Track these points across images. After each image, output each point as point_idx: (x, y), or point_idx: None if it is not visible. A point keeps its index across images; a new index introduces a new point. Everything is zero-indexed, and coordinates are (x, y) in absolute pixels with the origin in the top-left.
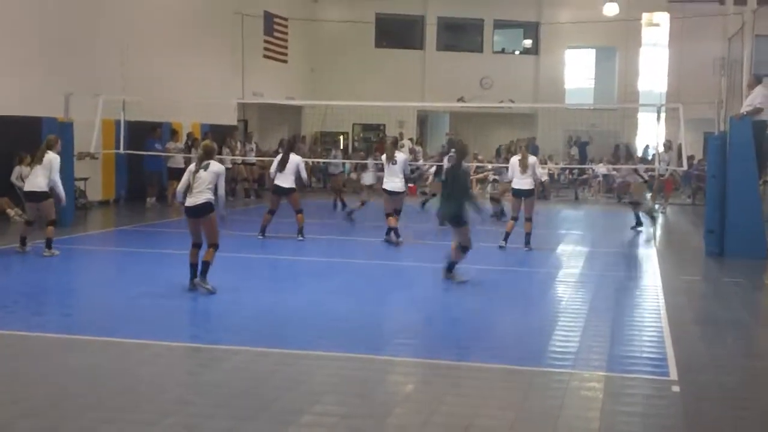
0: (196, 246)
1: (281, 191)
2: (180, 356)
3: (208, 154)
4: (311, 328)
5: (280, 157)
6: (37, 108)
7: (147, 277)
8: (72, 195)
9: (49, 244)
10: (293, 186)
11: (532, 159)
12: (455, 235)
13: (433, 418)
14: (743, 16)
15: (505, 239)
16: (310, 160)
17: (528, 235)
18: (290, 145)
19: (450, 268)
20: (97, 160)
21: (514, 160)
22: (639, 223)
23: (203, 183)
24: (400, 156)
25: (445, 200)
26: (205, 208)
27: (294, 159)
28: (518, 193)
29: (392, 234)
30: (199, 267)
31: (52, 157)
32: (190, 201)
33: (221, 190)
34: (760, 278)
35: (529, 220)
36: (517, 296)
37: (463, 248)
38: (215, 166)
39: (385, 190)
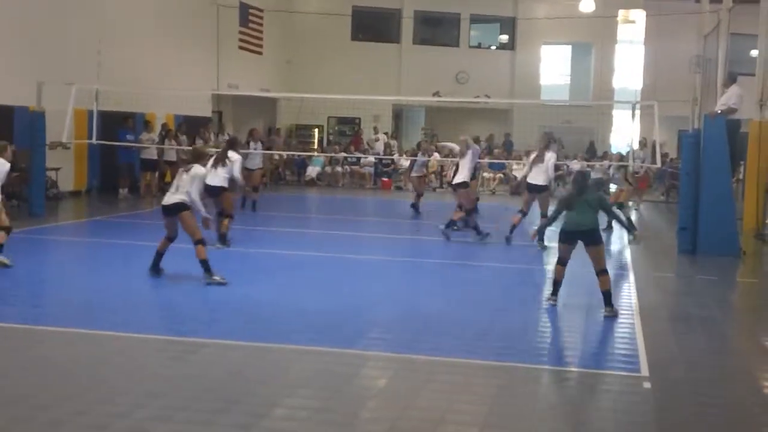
0: (169, 239)
1: (208, 190)
2: (153, 348)
3: (194, 158)
4: (285, 321)
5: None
6: (9, 97)
7: (119, 268)
8: (43, 185)
9: None
10: (224, 185)
11: (548, 155)
12: (590, 256)
13: (406, 411)
14: (719, 15)
15: (511, 231)
16: (284, 153)
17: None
18: (230, 143)
19: (609, 300)
20: (69, 150)
21: (533, 156)
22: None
23: (183, 185)
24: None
25: (576, 213)
26: (176, 208)
27: (232, 157)
28: (531, 188)
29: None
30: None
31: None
32: (165, 199)
33: (193, 194)
34: (733, 275)
35: (543, 216)
36: (492, 292)
37: (605, 271)
38: (195, 169)
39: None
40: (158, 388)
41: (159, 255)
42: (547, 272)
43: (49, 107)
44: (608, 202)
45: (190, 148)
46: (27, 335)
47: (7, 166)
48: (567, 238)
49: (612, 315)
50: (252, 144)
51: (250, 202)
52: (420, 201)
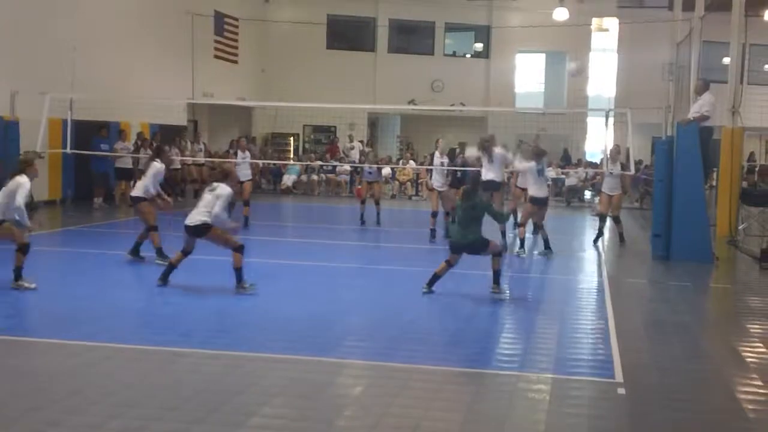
0: (185, 252)
1: (131, 199)
2: (128, 358)
3: (222, 177)
4: (261, 330)
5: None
6: None
7: (94, 278)
8: None
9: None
10: (142, 195)
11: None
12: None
13: (382, 419)
14: (691, 23)
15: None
16: (260, 162)
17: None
18: (156, 150)
19: (497, 279)
20: (43, 160)
21: (532, 165)
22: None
23: (205, 204)
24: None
25: (461, 228)
26: (199, 230)
27: (153, 166)
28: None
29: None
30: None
31: (18, 181)
32: (188, 219)
33: (217, 209)
34: (706, 281)
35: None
36: (465, 299)
37: (499, 254)
38: (221, 189)
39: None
40: (133, 399)
41: (172, 267)
42: (525, 279)
43: (23, 116)
44: (492, 207)
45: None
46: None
47: (28, 184)
48: (454, 249)
49: (498, 293)
50: (240, 154)
51: (243, 218)
52: (362, 208)
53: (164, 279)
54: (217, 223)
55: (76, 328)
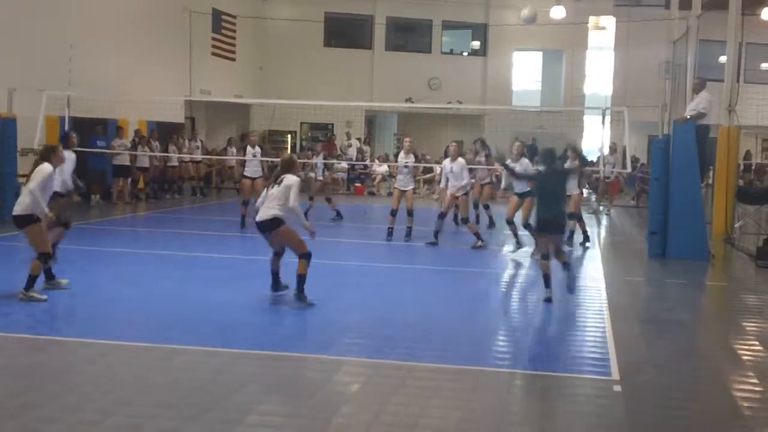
0: (276, 254)
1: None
2: (124, 355)
3: (285, 168)
4: (258, 327)
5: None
6: None
7: (90, 275)
8: (15, 192)
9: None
10: (60, 190)
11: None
12: (551, 242)
13: (379, 417)
14: (688, 21)
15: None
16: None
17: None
18: (64, 142)
19: (547, 282)
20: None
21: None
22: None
23: (274, 199)
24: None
25: (543, 204)
26: (270, 225)
27: (68, 156)
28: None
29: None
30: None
31: (40, 168)
32: (258, 215)
33: (292, 202)
34: (702, 279)
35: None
36: (464, 296)
37: (560, 253)
38: (288, 180)
39: None
40: (129, 396)
41: (274, 274)
42: (514, 276)
43: (21, 113)
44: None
45: (164, 154)
46: None
47: (49, 169)
48: (540, 227)
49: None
50: (250, 150)
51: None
52: (331, 205)
53: (277, 287)
54: (291, 217)
55: (72, 325)
